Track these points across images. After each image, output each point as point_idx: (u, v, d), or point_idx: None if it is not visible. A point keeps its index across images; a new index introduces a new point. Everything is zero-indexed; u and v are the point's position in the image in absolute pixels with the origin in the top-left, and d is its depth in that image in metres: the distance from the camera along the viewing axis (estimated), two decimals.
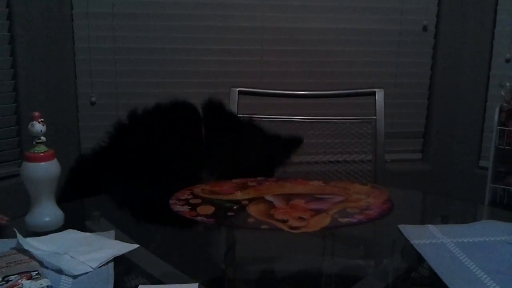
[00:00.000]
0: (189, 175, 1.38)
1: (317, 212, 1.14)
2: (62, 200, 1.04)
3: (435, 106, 2.65)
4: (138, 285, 0.79)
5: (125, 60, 2.34)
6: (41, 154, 0.99)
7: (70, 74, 2.30)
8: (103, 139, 1.49)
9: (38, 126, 0.99)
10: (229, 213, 1.13)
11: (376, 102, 1.70)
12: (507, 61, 2.47)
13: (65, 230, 1.00)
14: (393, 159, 2.55)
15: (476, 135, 2.60)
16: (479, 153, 2.60)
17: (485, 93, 2.56)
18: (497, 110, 2.16)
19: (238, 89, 1.72)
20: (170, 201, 1.20)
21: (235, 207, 1.16)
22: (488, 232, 1.02)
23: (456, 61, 2.59)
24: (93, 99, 2.34)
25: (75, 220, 1.07)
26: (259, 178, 1.39)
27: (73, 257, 0.87)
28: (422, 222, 1.10)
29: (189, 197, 1.23)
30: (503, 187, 2.18)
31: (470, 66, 2.56)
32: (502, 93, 2.17)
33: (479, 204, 1.93)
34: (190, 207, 1.16)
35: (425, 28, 2.57)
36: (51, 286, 0.76)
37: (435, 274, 0.85)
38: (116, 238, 0.98)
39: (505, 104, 2.14)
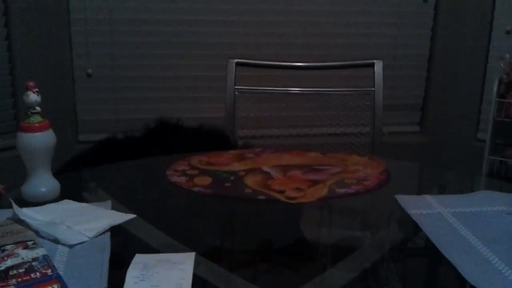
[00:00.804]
0: None
1: (314, 182, 1.14)
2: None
3: (434, 78, 2.63)
4: (134, 255, 0.79)
5: (121, 32, 2.32)
6: (36, 125, 0.98)
7: (65, 46, 2.27)
8: (131, 131, 1.50)
9: (33, 96, 0.98)
10: (226, 184, 1.13)
11: (375, 73, 1.69)
12: (508, 32, 2.44)
13: (61, 200, 1.00)
14: (391, 131, 2.55)
15: (474, 107, 2.59)
16: (477, 125, 2.60)
17: (484, 65, 2.54)
18: (496, 82, 2.15)
19: (235, 60, 1.70)
20: (167, 172, 1.19)
21: (232, 177, 1.16)
22: (484, 202, 1.02)
23: (456, 33, 2.56)
24: (89, 71, 2.32)
25: (71, 190, 1.07)
26: (256, 149, 1.39)
27: (69, 227, 0.87)
28: (419, 192, 1.10)
29: (186, 168, 1.22)
30: (501, 159, 2.18)
31: (470, 38, 2.54)
32: (502, 65, 2.15)
33: (476, 175, 1.93)
34: (187, 177, 1.16)
35: None
36: (47, 255, 0.76)
37: (431, 243, 0.85)
38: (113, 208, 0.98)
39: (504, 76, 2.13)
